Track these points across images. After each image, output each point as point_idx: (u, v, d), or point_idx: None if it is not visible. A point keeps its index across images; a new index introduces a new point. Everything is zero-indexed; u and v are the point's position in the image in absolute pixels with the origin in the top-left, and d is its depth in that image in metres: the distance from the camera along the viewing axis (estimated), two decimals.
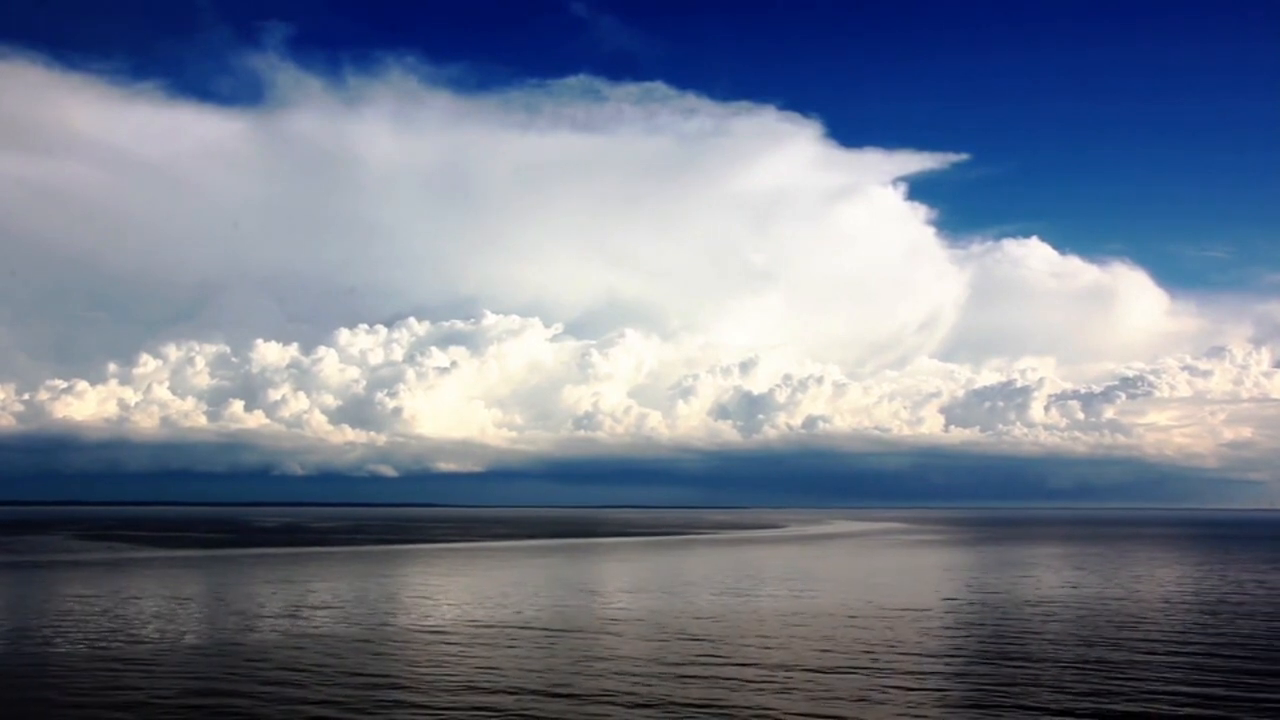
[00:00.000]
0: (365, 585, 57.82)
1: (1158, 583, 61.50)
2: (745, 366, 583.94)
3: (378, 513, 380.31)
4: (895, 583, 61.79)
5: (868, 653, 33.17)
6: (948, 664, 31.29)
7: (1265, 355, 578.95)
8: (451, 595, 52.27)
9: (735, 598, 50.91)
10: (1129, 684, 28.11)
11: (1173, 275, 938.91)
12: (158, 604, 47.12)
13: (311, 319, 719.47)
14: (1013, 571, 71.96)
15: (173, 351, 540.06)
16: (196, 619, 41.77)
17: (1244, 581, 63.16)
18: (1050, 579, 64.07)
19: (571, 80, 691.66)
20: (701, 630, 38.56)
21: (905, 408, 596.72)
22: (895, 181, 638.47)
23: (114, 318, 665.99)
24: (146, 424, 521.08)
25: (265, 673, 29.63)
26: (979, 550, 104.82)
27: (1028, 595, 52.84)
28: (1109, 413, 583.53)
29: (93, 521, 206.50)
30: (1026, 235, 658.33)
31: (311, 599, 49.38)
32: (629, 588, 57.72)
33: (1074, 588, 57.77)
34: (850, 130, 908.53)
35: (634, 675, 29.13)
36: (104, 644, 34.80)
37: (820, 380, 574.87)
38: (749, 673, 29.56)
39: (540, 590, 55.60)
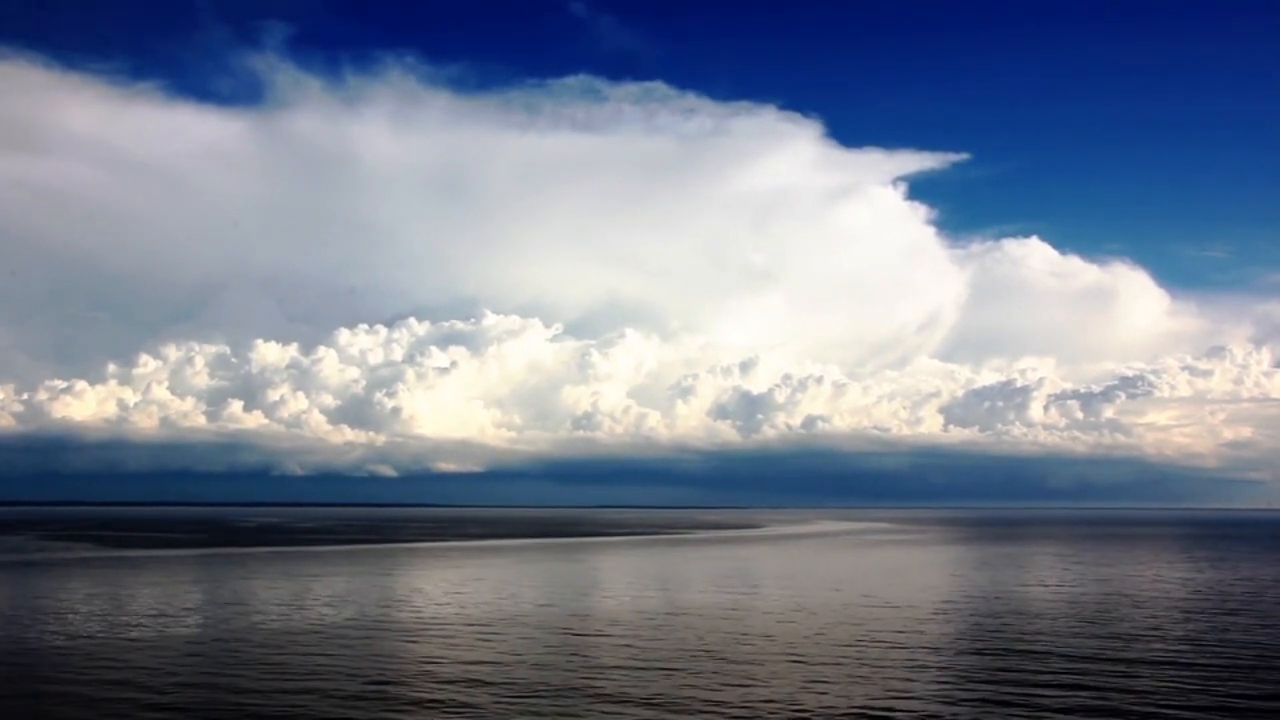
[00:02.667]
0: (282, 584, 58.29)
1: (1080, 581, 61.67)
2: (745, 366, 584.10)
3: (367, 513, 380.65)
4: (817, 582, 62.00)
5: (705, 650, 33.56)
6: (753, 659, 31.62)
7: (1265, 355, 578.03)
8: (359, 593, 52.71)
9: (638, 597, 51.36)
10: (951, 678, 28.51)
11: (1173, 275, 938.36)
12: (60, 602, 47.63)
13: (311, 319, 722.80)
14: (948, 571, 72.31)
15: (172, 352, 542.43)
16: (86, 617, 42.16)
17: (1168, 579, 63.30)
18: (975, 577, 64.34)
19: (571, 80, 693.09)
20: (579, 627, 39.04)
21: (905, 408, 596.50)
22: (895, 181, 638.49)
23: (114, 318, 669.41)
24: (146, 424, 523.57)
25: (103, 671, 30.14)
26: (942, 550, 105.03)
27: (937, 595, 53.15)
28: (1109, 412, 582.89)
29: (70, 522, 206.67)
30: (1026, 235, 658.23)
31: (220, 597, 49.96)
32: (547, 587, 58.20)
33: (992, 584, 58.02)
34: (850, 130, 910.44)
35: (486, 665, 29.64)
36: None
37: (820, 380, 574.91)
38: (571, 663, 30.03)
39: (453, 589, 55.99)
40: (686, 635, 36.93)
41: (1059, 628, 39.25)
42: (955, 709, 24.78)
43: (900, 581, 62.04)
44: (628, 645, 34.53)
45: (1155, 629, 39.04)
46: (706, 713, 24.45)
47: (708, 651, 33.08)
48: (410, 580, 62.72)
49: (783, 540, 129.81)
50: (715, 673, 29.30)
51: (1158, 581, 61.87)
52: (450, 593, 53.44)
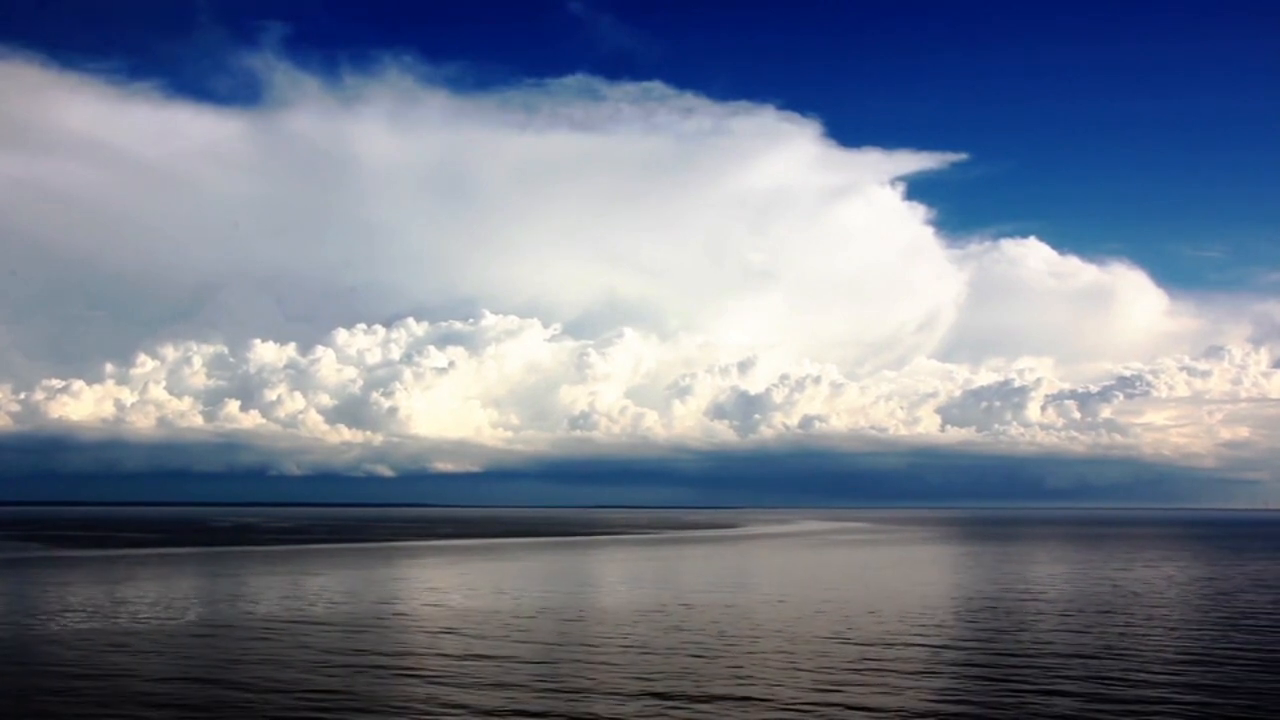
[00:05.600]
0: (196, 583, 58.93)
1: (992, 580, 62.08)
2: (743, 366, 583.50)
3: (355, 513, 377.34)
4: (727, 581, 62.49)
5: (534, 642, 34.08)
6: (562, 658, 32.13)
7: (1263, 355, 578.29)
8: (266, 592, 53.30)
9: (531, 596, 51.91)
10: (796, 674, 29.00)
11: (1171, 275, 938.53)
12: None
13: (310, 319, 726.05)
14: (876, 571, 72.69)
15: (170, 351, 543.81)
16: None
17: (1087, 578, 63.61)
18: (896, 575, 64.77)
19: (569, 79, 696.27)
20: (457, 624, 39.62)
21: (901, 407, 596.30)
22: (894, 181, 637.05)
23: (111, 317, 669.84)
24: (143, 424, 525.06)
25: None
26: (897, 550, 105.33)
27: (836, 592, 53.63)
28: (1106, 412, 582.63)
29: (41, 522, 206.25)
30: (1025, 235, 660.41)
31: (115, 595, 50.65)
32: (453, 586, 58.83)
33: (905, 582, 58.43)
34: (849, 130, 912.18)
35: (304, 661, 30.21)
36: None
37: (817, 380, 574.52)
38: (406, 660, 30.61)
39: (359, 587, 56.58)
40: (540, 632, 37.52)
41: (916, 624, 39.71)
42: (769, 692, 25.32)
43: (813, 581, 62.45)
44: (480, 638, 35.17)
45: (1019, 626, 39.51)
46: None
47: (543, 645, 33.65)
48: (330, 578, 63.25)
49: (745, 540, 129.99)
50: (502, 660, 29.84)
51: (1070, 580, 62.23)
52: (349, 590, 54.04)
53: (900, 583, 60.03)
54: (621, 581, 61.38)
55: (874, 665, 30.15)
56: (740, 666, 29.84)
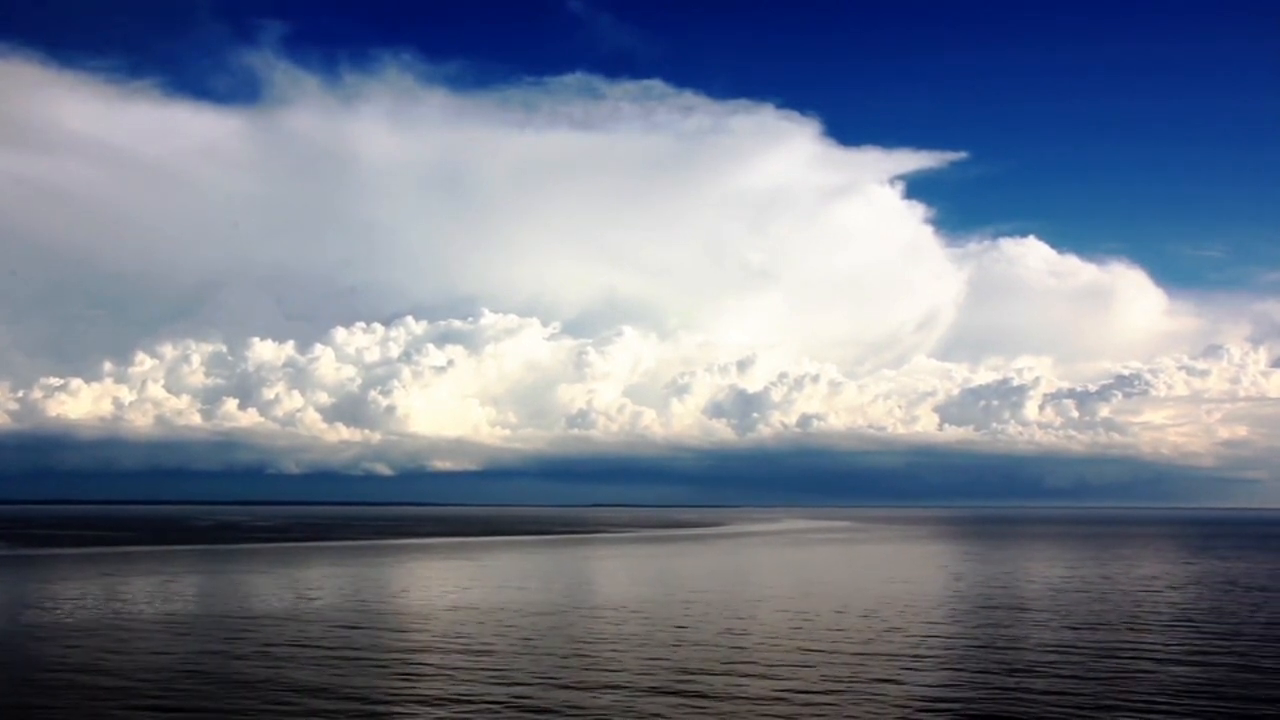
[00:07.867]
0: (134, 580, 59.59)
1: (934, 579, 62.60)
2: (742, 365, 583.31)
3: (345, 511, 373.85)
4: (665, 580, 63.05)
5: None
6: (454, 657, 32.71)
7: (1262, 354, 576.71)
8: (195, 589, 53.97)
9: (449, 595, 52.50)
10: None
11: (1170, 274, 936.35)
12: None
13: (309, 317, 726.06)
14: (817, 571, 73.18)
15: (169, 350, 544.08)
16: None
17: (1029, 575, 64.08)
18: (830, 576, 65.20)
19: (569, 78, 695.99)
20: (366, 621, 40.21)
21: (900, 406, 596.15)
22: (893, 180, 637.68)
23: (110, 316, 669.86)
24: (141, 422, 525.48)
25: None
26: (868, 548, 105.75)
27: (754, 593, 54.14)
28: (1104, 411, 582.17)
29: (25, 520, 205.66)
30: (1024, 234, 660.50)
31: (45, 592, 51.26)
32: (391, 585, 59.40)
33: (849, 582, 58.89)
34: (848, 129, 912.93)
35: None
36: None
37: (816, 379, 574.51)
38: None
39: (293, 584, 57.20)
40: (436, 628, 38.15)
41: (816, 619, 40.27)
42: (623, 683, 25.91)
43: (751, 579, 63.00)
44: (377, 632, 35.80)
45: (912, 623, 40.08)
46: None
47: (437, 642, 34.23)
48: (273, 576, 63.91)
49: (721, 539, 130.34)
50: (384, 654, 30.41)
51: (1005, 580, 62.66)
52: (277, 588, 54.67)
53: (834, 582, 60.49)
54: (563, 580, 61.93)
55: (742, 658, 30.71)
56: (615, 659, 30.43)
